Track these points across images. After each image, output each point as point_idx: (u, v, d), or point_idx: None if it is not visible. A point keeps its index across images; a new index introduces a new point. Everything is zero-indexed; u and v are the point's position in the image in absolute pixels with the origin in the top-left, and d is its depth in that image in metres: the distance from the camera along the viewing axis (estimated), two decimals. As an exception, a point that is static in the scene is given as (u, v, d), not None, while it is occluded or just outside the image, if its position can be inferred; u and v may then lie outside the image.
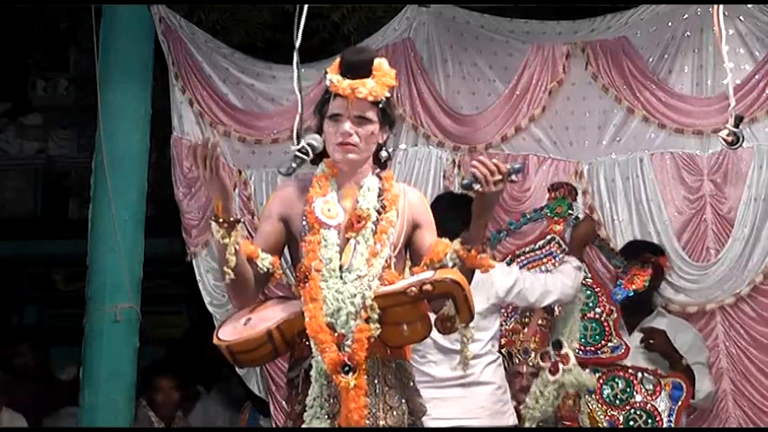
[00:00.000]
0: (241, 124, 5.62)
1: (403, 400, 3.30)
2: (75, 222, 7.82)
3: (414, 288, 3.18)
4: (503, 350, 5.01)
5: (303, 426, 3.24)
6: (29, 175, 9.07)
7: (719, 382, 5.23)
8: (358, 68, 3.36)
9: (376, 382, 3.26)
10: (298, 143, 3.31)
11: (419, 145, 5.53)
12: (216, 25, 6.01)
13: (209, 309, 5.46)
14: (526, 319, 5.07)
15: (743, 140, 3.58)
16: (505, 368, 4.98)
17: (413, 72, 5.53)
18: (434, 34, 5.56)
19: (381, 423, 3.23)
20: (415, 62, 5.54)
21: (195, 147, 3.20)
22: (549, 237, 5.26)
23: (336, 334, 3.21)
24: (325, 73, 3.42)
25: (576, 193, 5.35)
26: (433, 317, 3.30)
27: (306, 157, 3.30)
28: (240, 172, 5.60)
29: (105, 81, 5.47)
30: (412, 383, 3.35)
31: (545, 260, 5.23)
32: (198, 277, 5.56)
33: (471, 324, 3.27)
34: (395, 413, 3.26)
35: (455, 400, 4.52)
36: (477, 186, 3.17)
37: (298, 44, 3.35)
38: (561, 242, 5.23)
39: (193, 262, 5.57)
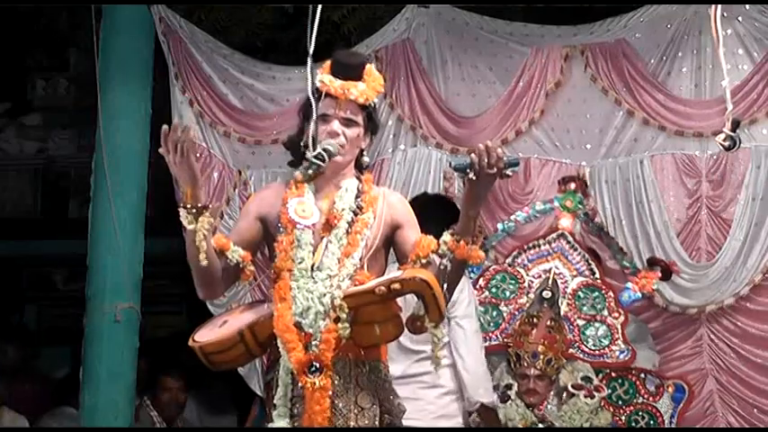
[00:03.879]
0: (241, 125, 5.63)
1: (375, 402, 3.29)
2: (75, 222, 7.80)
3: (382, 287, 3.17)
4: (510, 350, 5.01)
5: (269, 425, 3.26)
6: (29, 175, 9.07)
7: (703, 384, 5.23)
8: (350, 70, 3.38)
9: (348, 383, 3.27)
10: (313, 149, 3.31)
11: (418, 146, 5.54)
12: (216, 25, 6.02)
13: (210, 309, 5.46)
14: (534, 320, 5.06)
15: (740, 144, 3.59)
16: (512, 369, 4.99)
17: (412, 73, 5.53)
18: (434, 35, 5.57)
19: (352, 424, 3.23)
20: (415, 63, 5.54)
21: (166, 131, 3.19)
22: (558, 232, 5.26)
23: (304, 333, 3.22)
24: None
25: (587, 188, 5.35)
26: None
27: (322, 164, 3.29)
28: (240, 172, 5.61)
29: (105, 81, 5.48)
30: (387, 384, 3.35)
31: (553, 256, 5.22)
32: (198, 277, 5.55)
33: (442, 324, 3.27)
34: (366, 414, 3.26)
35: (406, 401, 4.50)
36: (470, 173, 3.13)
37: (311, 50, 3.34)
38: (572, 239, 5.23)
39: (194, 262, 5.56)
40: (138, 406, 5.69)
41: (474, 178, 3.12)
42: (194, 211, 3.24)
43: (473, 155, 3.10)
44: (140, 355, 5.46)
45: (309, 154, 3.31)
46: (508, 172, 3.13)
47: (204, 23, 5.90)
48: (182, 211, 3.25)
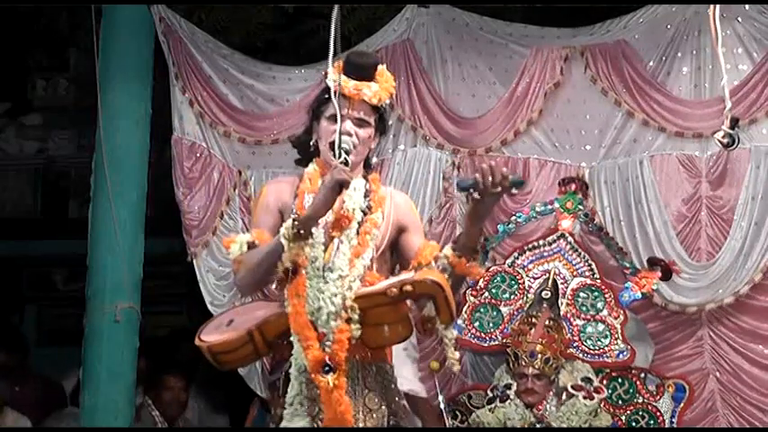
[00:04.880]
0: (241, 125, 5.63)
1: (383, 403, 3.30)
2: (75, 222, 7.81)
3: (394, 289, 3.17)
4: (508, 350, 5.02)
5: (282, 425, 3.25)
6: (29, 175, 9.08)
7: (705, 384, 5.23)
8: (363, 71, 3.39)
9: (356, 384, 3.27)
10: (339, 156, 3.29)
11: (418, 146, 5.53)
12: (216, 25, 6.02)
13: (210, 308, 5.47)
14: (533, 319, 5.05)
15: (738, 142, 3.58)
16: (511, 369, 4.98)
17: (412, 73, 5.53)
18: (434, 35, 5.57)
19: (361, 425, 3.23)
20: (415, 63, 5.54)
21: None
22: (558, 233, 5.25)
23: (317, 333, 3.22)
24: (325, 74, 3.43)
25: (587, 190, 5.35)
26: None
27: (347, 167, 3.27)
28: (240, 172, 5.61)
29: (105, 81, 5.48)
30: (393, 385, 3.36)
31: (553, 257, 5.22)
32: (198, 277, 5.57)
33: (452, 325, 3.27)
34: (374, 415, 3.27)
35: None
36: (474, 192, 3.12)
37: (332, 53, 3.32)
38: (572, 240, 5.23)
39: (194, 262, 5.57)
40: (140, 405, 5.69)
41: (478, 197, 3.12)
42: (301, 233, 3.19)
43: (477, 174, 3.10)
44: (140, 355, 5.46)
45: (335, 161, 3.29)
46: (513, 191, 3.12)
47: (204, 24, 5.91)
48: (290, 226, 3.18)
